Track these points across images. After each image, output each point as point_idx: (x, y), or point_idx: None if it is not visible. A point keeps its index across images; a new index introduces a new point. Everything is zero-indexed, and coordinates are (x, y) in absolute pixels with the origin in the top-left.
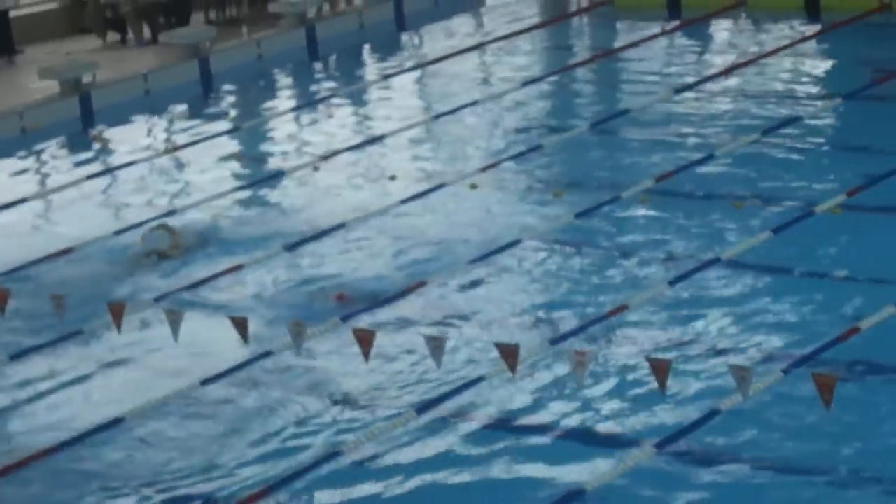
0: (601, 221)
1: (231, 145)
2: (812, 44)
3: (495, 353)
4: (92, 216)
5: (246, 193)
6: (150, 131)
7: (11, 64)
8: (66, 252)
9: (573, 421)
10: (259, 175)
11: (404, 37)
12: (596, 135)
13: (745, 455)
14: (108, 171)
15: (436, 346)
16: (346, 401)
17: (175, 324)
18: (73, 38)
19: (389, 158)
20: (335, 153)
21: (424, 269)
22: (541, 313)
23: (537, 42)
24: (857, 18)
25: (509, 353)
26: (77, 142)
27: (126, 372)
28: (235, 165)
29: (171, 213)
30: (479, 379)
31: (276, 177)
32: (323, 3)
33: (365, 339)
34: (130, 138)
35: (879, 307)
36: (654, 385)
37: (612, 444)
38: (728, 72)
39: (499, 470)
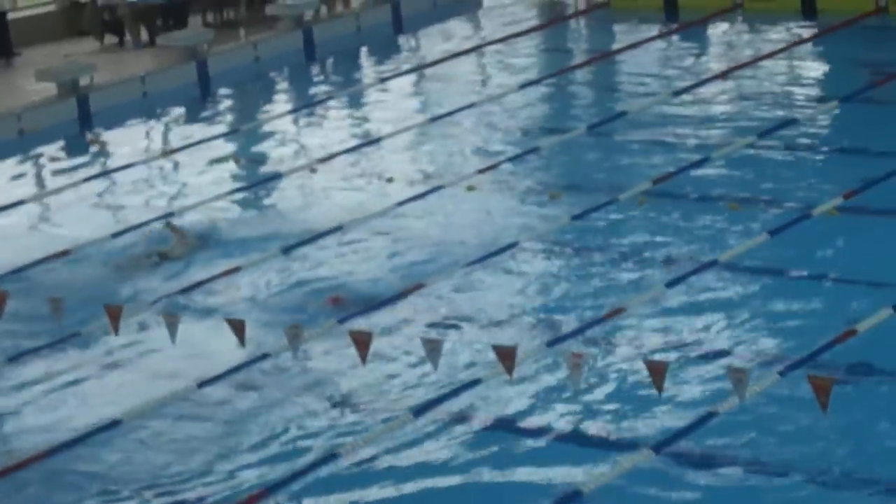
0: (599, 223)
1: (228, 147)
2: (808, 46)
3: (493, 356)
4: (89, 218)
5: (243, 195)
6: (147, 133)
7: (9, 66)
8: (63, 254)
9: (571, 423)
10: (256, 177)
11: (401, 39)
12: (593, 137)
13: (743, 457)
14: (106, 173)
15: (433, 348)
16: (343, 403)
17: (172, 326)
18: (70, 40)
19: (387, 160)
20: (332, 155)
21: (422, 270)
22: (538, 315)
23: (535, 44)
24: (853, 21)
25: (507, 356)
26: (75, 144)
27: (124, 374)
28: (232, 167)
29: (168, 215)
30: (477, 381)
31: (273, 179)
32: (320, 6)
33: (362, 342)
34: (128, 140)
35: (876, 309)
36: (652, 387)
37: (610, 446)
38: (725, 74)
39: (496, 472)
